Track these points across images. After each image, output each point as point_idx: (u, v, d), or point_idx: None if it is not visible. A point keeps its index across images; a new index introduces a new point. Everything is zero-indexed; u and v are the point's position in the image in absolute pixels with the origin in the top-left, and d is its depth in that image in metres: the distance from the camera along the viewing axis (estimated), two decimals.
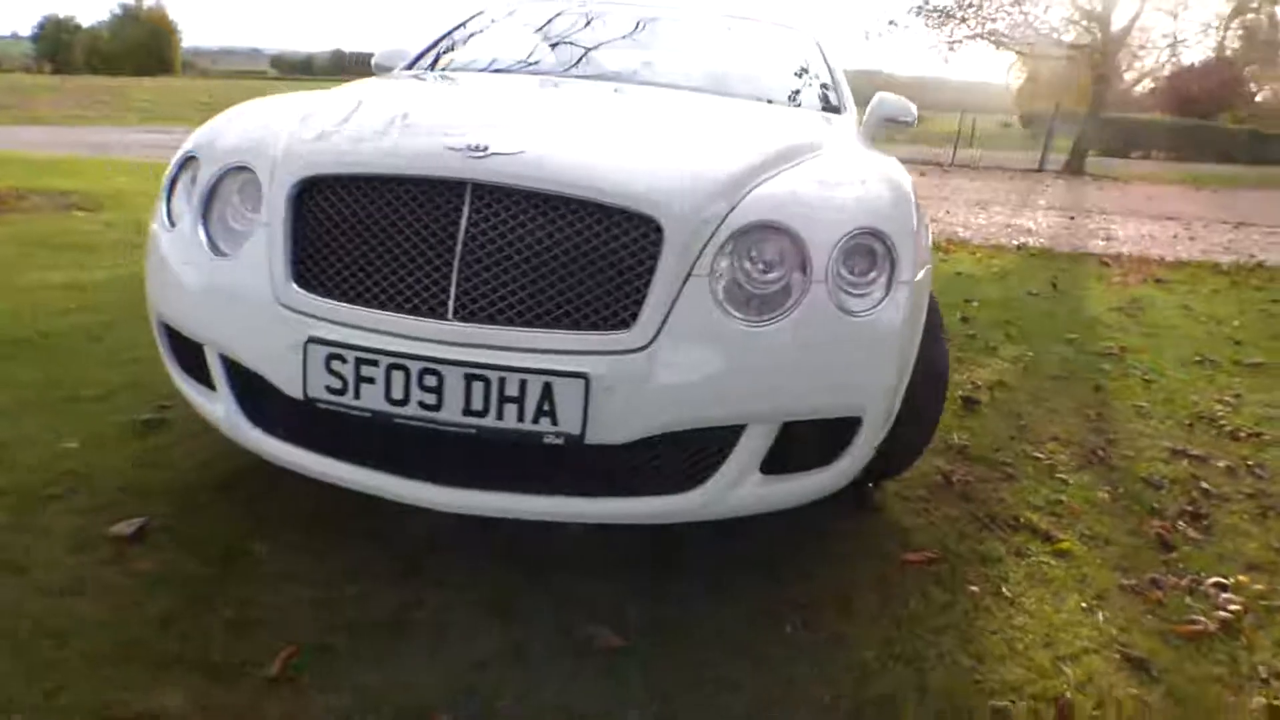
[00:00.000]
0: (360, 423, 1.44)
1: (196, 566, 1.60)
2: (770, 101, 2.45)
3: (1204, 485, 2.40)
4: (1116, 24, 18.43)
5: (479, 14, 3.07)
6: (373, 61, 3.05)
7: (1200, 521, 2.19)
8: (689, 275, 1.41)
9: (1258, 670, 1.57)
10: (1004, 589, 1.77)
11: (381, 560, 1.67)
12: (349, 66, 42.07)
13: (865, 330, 1.51)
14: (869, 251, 1.54)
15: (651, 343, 1.38)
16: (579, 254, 1.39)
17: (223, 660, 1.36)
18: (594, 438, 1.38)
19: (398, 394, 1.37)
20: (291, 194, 1.49)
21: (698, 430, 1.45)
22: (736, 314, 1.43)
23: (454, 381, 1.35)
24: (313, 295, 1.45)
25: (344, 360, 1.39)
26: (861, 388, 1.55)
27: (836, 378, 1.52)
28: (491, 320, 1.38)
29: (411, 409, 1.37)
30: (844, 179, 1.74)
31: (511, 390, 1.34)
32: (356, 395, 1.39)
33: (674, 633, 1.53)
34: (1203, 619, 1.71)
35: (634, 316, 1.39)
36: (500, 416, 1.35)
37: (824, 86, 2.65)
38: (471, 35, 2.95)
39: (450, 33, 2.96)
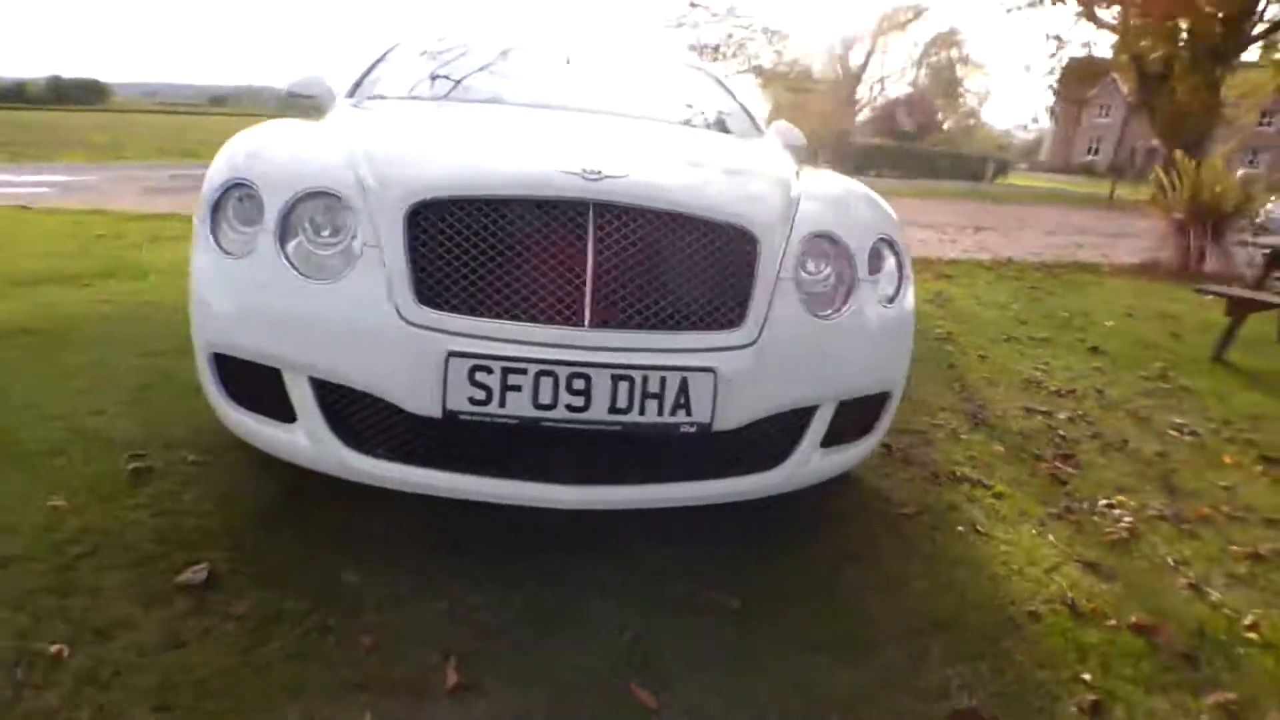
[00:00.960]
0: (475, 435, 1.51)
1: (296, 602, 1.56)
2: (724, 130, 2.74)
3: (1060, 433, 3.01)
4: (854, 61, 21.13)
5: (397, 46, 3.06)
6: (288, 90, 2.94)
7: (1070, 460, 2.76)
8: (777, 279, 1.64)
9: (1168, 560, 2.08)
10: (978, 527, 2.17)
11: (480, 567, 1.71)
12: (70, 94, 36.96)
13: (894, 319, 1.83)
14: (883, 254, 1.87)
15: (758, 338, 1.59)
16: (693, 263, 1.57)
17: (397, 680, 1.37)
18: (718, 425, 1.56)
19: (545, 399, 1.46)
20: (407, 217, 1.52)
21: (785, 413, 1.68)
22: (809, 310, 1.69)
23: (601, 383, 1.47)
24: (443, 312, 1.49)
25: (489, 371, 1.45)
26: (893, 367, 1.86)
27: (877, 360, 1.82)
28: (623, 326, 1.52)
29: (559, 412, 1.47)
30: (842, 196, 2.05)
31: (653, 387, 1.49)
32: (502, 404, 1.46)
33: (763, 587, 1.75)
34: (1113, 530, 2.22)
35: (741, 316, 1.59)
36: (643, 412, 1.49)
37: (747, 115, 2.98)
38: (405, 66, 2.93)
39: (375, 65, 2.93)
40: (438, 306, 1.50)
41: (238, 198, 1.68)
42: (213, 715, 1.27)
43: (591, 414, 1.48)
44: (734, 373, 1.56)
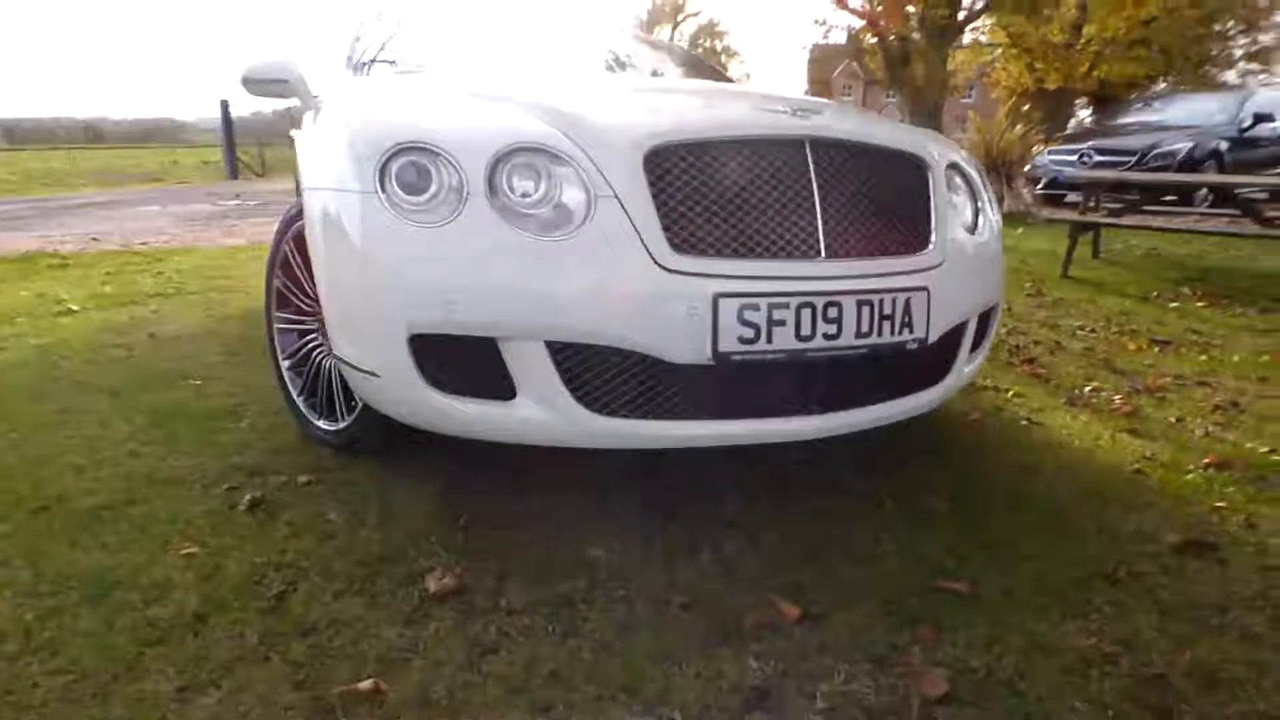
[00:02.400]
0: (727, 378, 1.51)
1: (571, 583, 1.46)
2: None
3: (1009, 343, 3.45)
4: None
5: (362, 28, 2.83)
6: (246, 76, 2.62)
7: (1033, 363, 3.17)
8: (941, 204, 1.78)
9: (1170, 419, 2.49)
10: (1032, 419, 2.46)
11: (699, 516, 1.69)
12: None
13: (997, 240, 2.04)
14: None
15: (945, 257, 1.72)
16: (889, 192, 1.66)
17: (747, 625, 1.35)
18: (930, 340, 1.67)
19: (805, 330, 1.49)
20: (645, 163, 1.47)
21: (954, 327, 1.82)
22: (965, 230, 1.84)
23: (850, 309, 1.52)
24: (701, 257, 1.47)
25: (757, 309, 1.45)
26: (999, 284, 2.07)
27: (995, 277, 2.02)
28: (849, 254, 1.58)
29: (817, 341, 1.51)
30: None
31: (887, 309, 1.57)
32: (769, 339, 1.47)
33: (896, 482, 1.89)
34: (1116, 406, 2.62)
35: (927, 239, 1.71)
36: (880, 334, 1.57)
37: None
38: (392, 43, 2.71)
39: (358, 42, 2.70)
40: (693, 251, 1.47)
41: (405, 163, 1.52)
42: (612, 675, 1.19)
43: (843, 340, 1.53)
44: (936, 289, 1.67)
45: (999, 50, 21.86)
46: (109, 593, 1.42)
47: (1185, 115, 9.36)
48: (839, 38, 20.64)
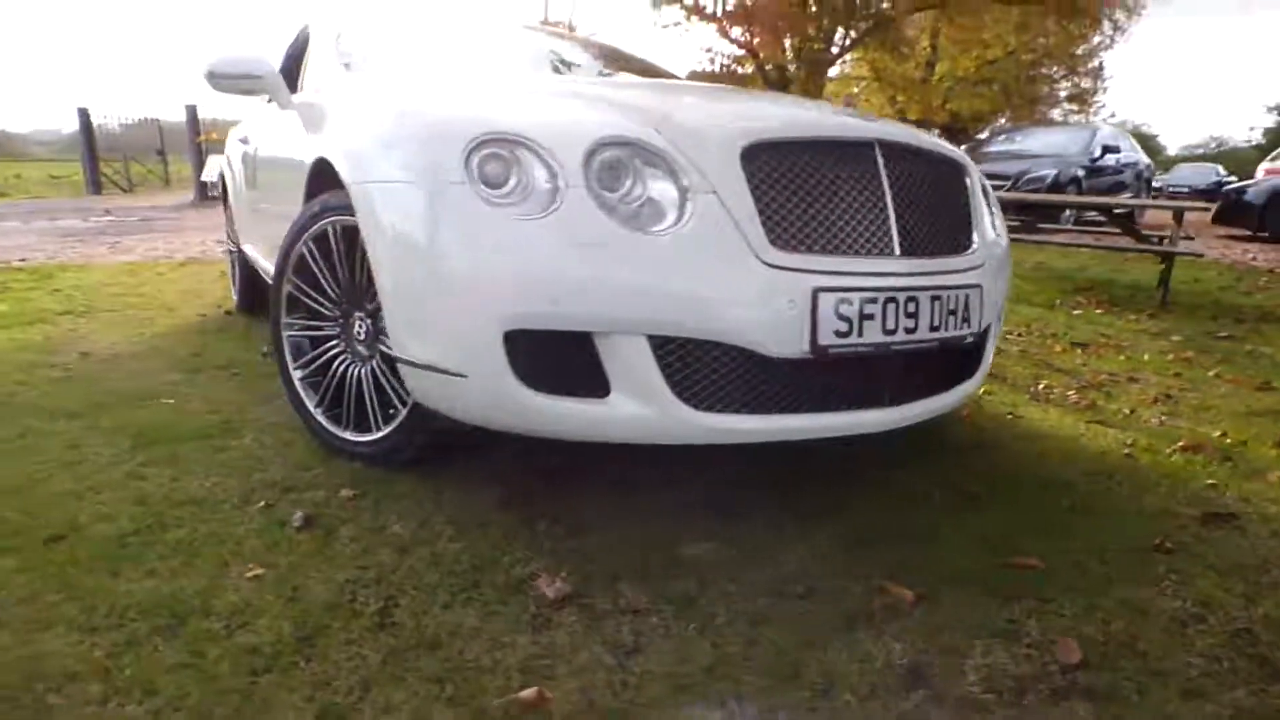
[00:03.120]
0: (819, 372, 1.55)
1: (683, 583, 1.44)
2: None
3: None
4: None
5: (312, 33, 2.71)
6: (213, 72, 2.46)
7: None
8: (979, 207, 1.89)
9: (1125, 411, 2.73)
10: (1013, 413, 2.63)
11: (775, 509, 1.71)
12: None
13: (1007, 243, 2.18)
14: None
15: (985, 258, 1.83)
16: (941, 194, 1.75)
17: (875, 607, 1.37)
18: (979, 334, 1.77)
19: (890, 324, 1.55)
20: (741, 158, 1.48)
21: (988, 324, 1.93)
22: (992, 233, 1.96)
23: (925, 304, 1.60)
24: (798, 253, 1.49)
25: (851, 303, 1.50)
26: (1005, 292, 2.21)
27: (1008, 277, 2.14)
28: (916, 252, 1.65)
29: (899, 335, 1.57)
30: None
31: (952, 305, 1.65)
32: (860, 333, 1.52)
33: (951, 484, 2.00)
34: (1074, 400, 2.84)
35: (970, 239, 1.81)
36: (946, 328, 1.65)
37: None
38: (364, 49, 2.60)
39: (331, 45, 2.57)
40: (789, 247, 1.50)
41: (489, 155, 1.47)
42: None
43: (918, 334, 1.60)
44: (985, 287, 1.78)
45: (864, 83, 23.34)
46: (183, 622, 1.28)
47: (1043, 146, 10.29)
48: (722, 63, 21.38)
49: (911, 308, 1.58)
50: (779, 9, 17.38)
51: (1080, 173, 9.64)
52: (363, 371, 1.89)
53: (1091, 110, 25.96)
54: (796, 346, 1.48)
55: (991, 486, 1.94)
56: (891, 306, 1.55)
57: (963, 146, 13.32)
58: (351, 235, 1.83)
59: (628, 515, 1.69)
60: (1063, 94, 26.34)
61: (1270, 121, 33.58)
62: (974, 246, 1.81)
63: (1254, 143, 39.04)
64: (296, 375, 2.02)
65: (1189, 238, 6.15)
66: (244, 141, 3.29)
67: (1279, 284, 5.98)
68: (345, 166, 1.72)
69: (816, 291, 1.47)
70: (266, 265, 3.01)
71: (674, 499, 1.78)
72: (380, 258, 1.60)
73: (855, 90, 24.35)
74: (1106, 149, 10.11)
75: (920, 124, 23.77)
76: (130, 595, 1.35)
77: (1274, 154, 14.23)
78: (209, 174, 12.07)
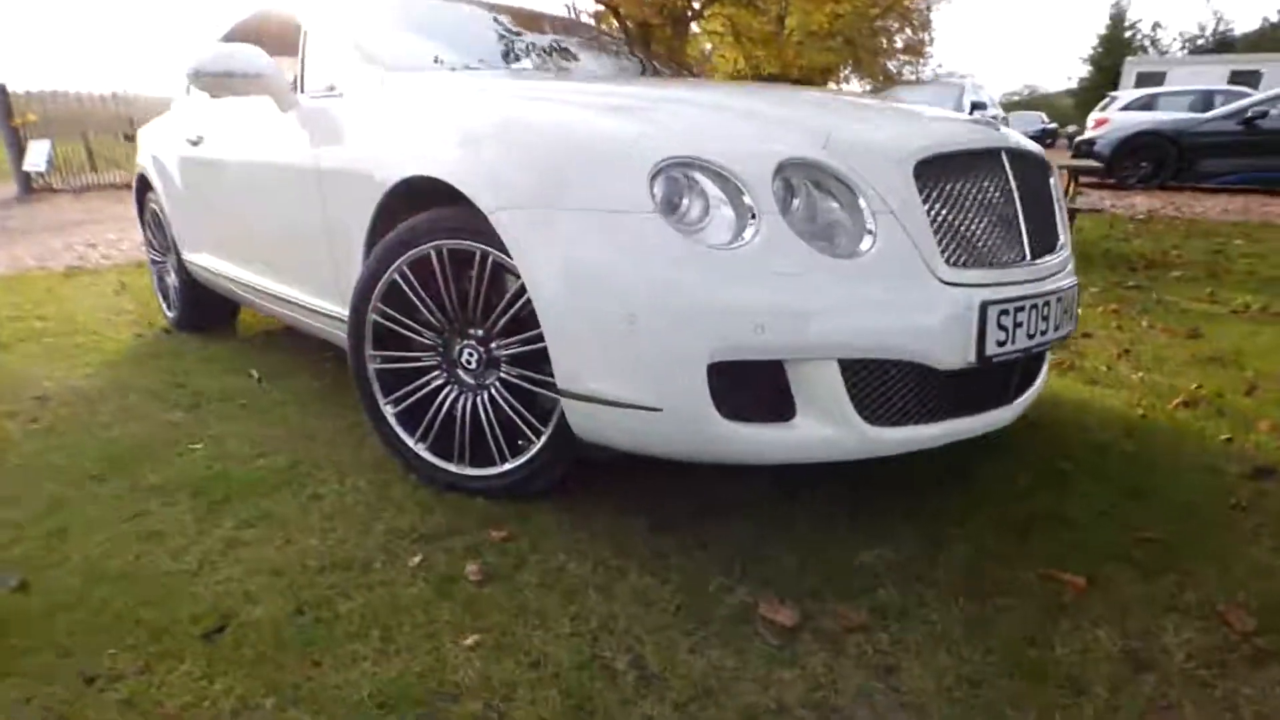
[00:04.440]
0: (969, 378, 1.62)
1: (885, 597, 1.50)
2: None
3: None
4: None
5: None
6: (201, 70, 2.23)
7: None
8: (1061, 205, 2.00)
9: (1101, 367, 3.03)
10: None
11: (868, 519, 1.80)
12: None
13: None
14: None
15: (1068, 260, 1.95)
16: (1044, 194, 1.86)
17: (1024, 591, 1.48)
18: None
19: (1033, 329, 1.65)
20: (913, 177, 1.52)
21: None
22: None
23: (1054, 306, 1.71)
24: (965, 267, 1.55)
25: (1008, 312, 1.58)
26: None
27: None
28: (1038, 255, 1.75)
29: (1038, 338, 1.67)
30: None
31: (1066, 304, 1.78)
32: (1013, 340, 1.61)
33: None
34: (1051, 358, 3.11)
35: (1060, 235, 1.93)
36: (1062, 326, 1.77)
37: None
38: (372, 38, 2.39)
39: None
40: (958, 262, 1.55)
41: (675, 179, 1.44)
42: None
43: (1049, 335, 1.71)
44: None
45: (719, 38, 23.70)
46: (439, 711, 1.20)
47: (920, 103, 10.93)
48: (585, 19, 21.11)
49: (1045, 311, 1.68)
50: None
51: None
52: (476, 402, 1.80)
53: (923, 61, 27.70)
54: (964, 357, 1.55)
55: (1067, 459, 2.10)
56: (1034, 312, 1.65)
57: None
58: (461, 259, 1.73)
59: (783, 528, 1.73)
60: (899, 45, 27.91)
61: (1084, 71, 36.88)
62: (1063, 241, 1.93)
63: (1068, 89, 42.64)
64: (389, 411, 1.90)
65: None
66: (195, 142, 2.96)
67: (1145, 231, 6.69)
68: (480, 190, 1.60)
69: (985, 305, 1.54)
70: (242, 276, 2.78)
71: (814, 506, 1.83)
72: (546, 291, 1.52)
73: (709, 46, 24.72)
74: (975, 105, 10.86)
75: (776, 78, 24.64)
76: (355, 687, 1.25)
77: (1101, 104, 15.75)
78: (32, 162, 10.59)
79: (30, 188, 10.74)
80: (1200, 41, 34.79)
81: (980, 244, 1.62)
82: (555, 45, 2.87)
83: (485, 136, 1.67)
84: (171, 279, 3.62)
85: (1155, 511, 1.82)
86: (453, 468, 1.84)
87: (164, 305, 3.78)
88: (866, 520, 1.77)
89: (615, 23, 18.16)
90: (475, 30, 2.72)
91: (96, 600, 1.49)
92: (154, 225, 3.65)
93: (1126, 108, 13.86)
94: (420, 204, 1.81)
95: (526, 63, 2.66)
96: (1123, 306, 3.94)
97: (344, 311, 2.16)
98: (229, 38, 3.26)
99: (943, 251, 1.53)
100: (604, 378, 1.50)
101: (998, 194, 1.68)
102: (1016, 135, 1.88)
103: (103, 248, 6.24)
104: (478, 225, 1.64)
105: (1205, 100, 13.53)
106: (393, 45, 2.35)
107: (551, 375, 1.63)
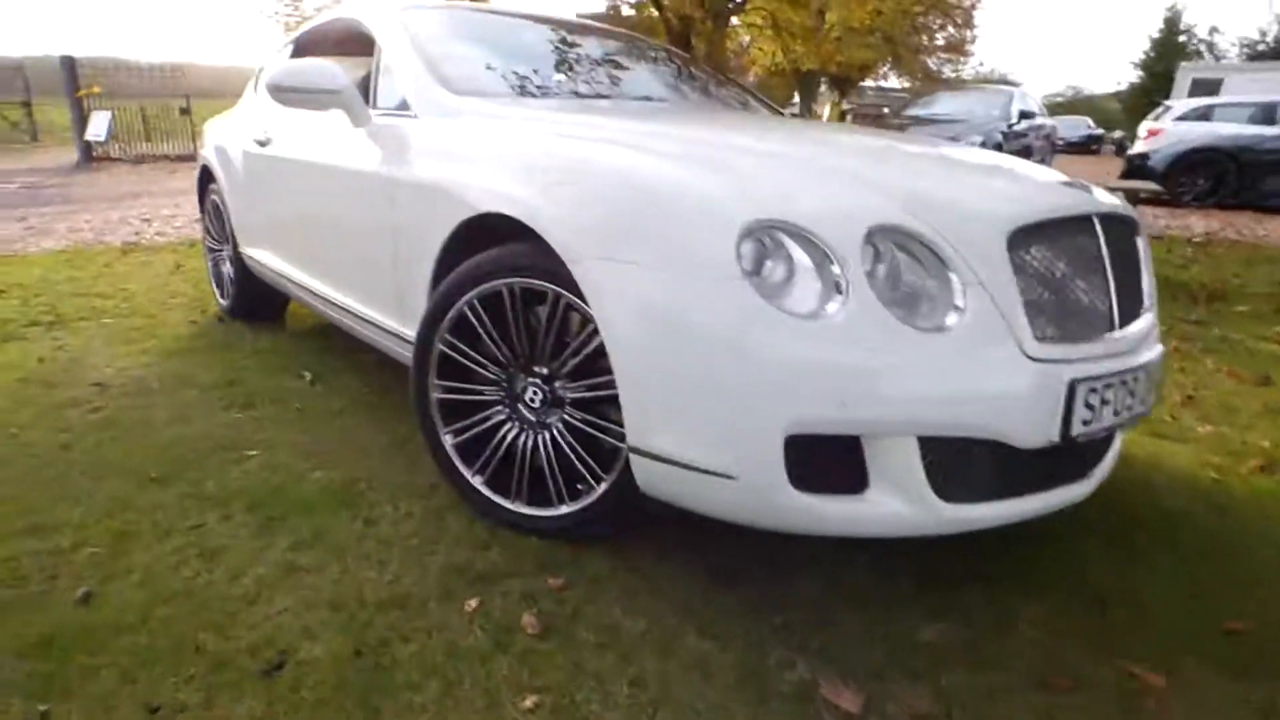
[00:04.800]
0: (1046, 455, 1.56)
1: (989, 679, 1.46)
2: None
3: None
4: None
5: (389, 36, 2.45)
6: (278, 83, 2.24)
7: None
8: (1148, 266, 1.91)
9: (1165, 418, 2.93)
10: None
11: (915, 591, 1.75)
12: None
13: None
14: None
15: (1154, 325, 1.86)
16: (1134, 258, 1.78)
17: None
18: None
19: (1120, 405, 1.58)
20: (1007, 245, 1.46)
21: None
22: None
23: (1142, 380, 1.63)
24: (1052, 343, 1.49)
25: (1095, 390, 1.52)
26: None
27: None
28: (1128, 325, 1.68)
29: (1123, 415, 1.60)
30: None
31: (1156, 376, 1.70)
32: (1099, 418, 1.54)
33: None
34: None
35: (1146, 299, 1.85)
36: (1147, 401, 1.70)
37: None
38: (446, 55, 2.37)
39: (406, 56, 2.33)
40: (1047, 338, 1.49)
41: (763, 242, 1.40)
42: None
43: (1133, 410, 1.64)
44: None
45: (758, 31, 23.38)
46: None
47: (966, 111, 10.67)
48: (627, 11, 20.95)
49: (1133, 386, 1.61)
50: None
51: (1000, 138, 10.07)
52: (537, 440, 1.78)
53: (964, 60, 27.15)
54: (1047, 436, 1.49)
55: (1139, 528, 2.02)
56: (1123, 388, 1.58)
57: (886, 110, 13.61)
58: (532, 297, 1.71)
59: (845, 589, 1.69)
60: (940, 42, 27.40)
61: (1134, 77, 35.78)
62: (1148, 305, 1.85)
63: (1114, 92, 41.37)
64: (448, 441, 1.89)
65: None
66: (263, 143, 2.97)
67: (1204, 255, 6.46)
68: (560, 235, 1.58)
69: (1074, 384, 1.48)
70: (299, 276, 2.79)
71: (878, 566, 1.78)
72: (622, 344, 1.49)
73: (748, 39, 24.44)
74: (1023, 114, 10.58)
75: (813, 75, 24.24)
76: None
77: (1154, 113, 15.25)
78: (94, 132, 10.82)
79: (90, 156, 10.99)
80: (1260, 47, 33.40)
81: (1069, 316, 1.55)
82: (622, 64, 2.83)
83: (567, 180, 1.64)
84: (227, 268, 3.66)
85: (1240, 598, 1.74)
86: (508, 504, 1.82)
87: (217, 292, 3.82)
88: (932, 587, 1.72)
89: (656, 13, 18.01)
90: (545, 49, 2.69)
91: (158, 621, 1.50)
92: (213, 216, 3.69)
93: (1181, 118, 13.40)
94: (492, 234, 1.79)
95: (596, 84, 2.63)
96: (1184, 344, 3.79)
97: (400, 327, 2.17)
98: (301, 42, 3.28)
99: (1031, 325, 1.47)
100: (676, 439, 1.47)
101: (1089, 262, 1.62)
102: (1107, 197, 1.80)
103: (157, 224, 6.35)
104: (553, 267, 1.62)
105: (1267, 112, 12.97)
106: (467, 68, 2.33)
107: (618, 423, 1.61)
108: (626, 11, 20.23)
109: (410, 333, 2.12)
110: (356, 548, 1.75)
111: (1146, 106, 29.15)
